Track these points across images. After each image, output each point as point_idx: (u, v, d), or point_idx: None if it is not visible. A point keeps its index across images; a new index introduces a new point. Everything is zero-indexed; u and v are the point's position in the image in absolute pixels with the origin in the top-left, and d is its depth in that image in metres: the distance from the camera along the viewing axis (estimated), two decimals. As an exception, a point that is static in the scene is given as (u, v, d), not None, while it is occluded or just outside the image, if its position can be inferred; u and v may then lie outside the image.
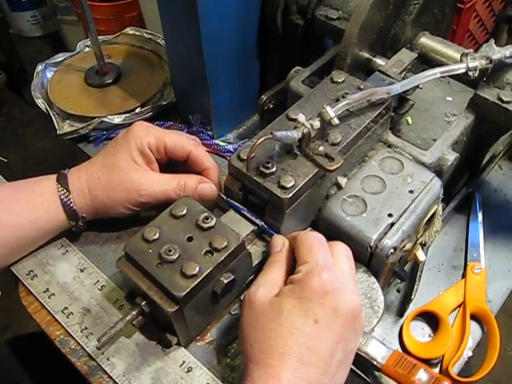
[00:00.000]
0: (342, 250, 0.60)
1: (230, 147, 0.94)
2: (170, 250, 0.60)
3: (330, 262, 0.57)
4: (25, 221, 0.72)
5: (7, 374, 0.93)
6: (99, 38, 1.06)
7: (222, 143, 0.95)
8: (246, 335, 0.56)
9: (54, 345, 0.69)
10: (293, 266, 0.60)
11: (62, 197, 0.71)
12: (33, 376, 0.92)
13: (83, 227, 0.76)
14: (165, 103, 1.01)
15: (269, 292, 0.57)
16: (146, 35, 1.14)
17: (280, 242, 0.63)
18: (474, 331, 0.72)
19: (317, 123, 0.63)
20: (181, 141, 0.74)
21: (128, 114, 0.98)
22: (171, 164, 0.76)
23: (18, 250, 0.75)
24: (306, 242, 0.59)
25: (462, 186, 0.86)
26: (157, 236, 0.62)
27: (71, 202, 0.72)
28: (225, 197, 0.69)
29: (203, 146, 0.77)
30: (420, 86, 0.87)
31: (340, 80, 0.72)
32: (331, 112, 0.63)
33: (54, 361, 0.70)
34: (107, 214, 0.74)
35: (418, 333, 0.72)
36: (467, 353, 0.70)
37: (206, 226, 0.62)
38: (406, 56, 0.79)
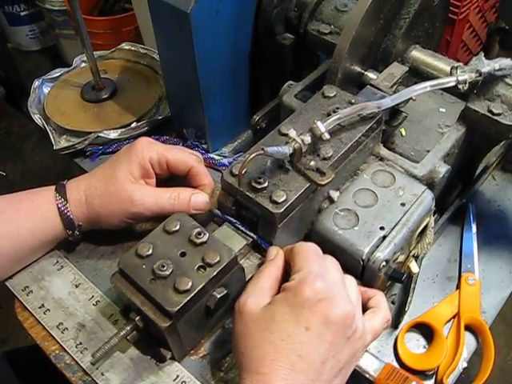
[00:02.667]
0: (333, 262, 0.61)
1: (225, 161, 0.95)
2: (163, 266, 0.60)
3: (323, 271, 0.58)
4: (23, 230, 0.72)
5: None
6: (96, 52, 1.07)
7: (217, 157, 0.96)
8: (237, 344, 0.57)
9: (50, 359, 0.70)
10: (286, 275, 0.61)
11: (59, 205, 0.72)
12: None
13: (79, 237, 0.76)
14: (160, 118, 1.02)
15: (258, 301, 0.57)
16: (141, 50, 1.15)
17: (274, 252, 0.64)
18: (469, 342, 0.72)
19: (308, 138, 0.63)
20: (183, 156, 0.75)
21: (124, 129, 0.99)
22: (169, 178, 0.77)
23: (16, 260, 0.75)
24: (302, 252, 0.60)
25: (456, 197, 0.86)
26: (150, 252, 0.62)
27: (68, 211, 0.72)
28: (219, 212, 0.70)
29: (203, 163, 0.78)
30: (413, 98, 0.88)
31: (331, 95, 0.73)
32: (322, 127, 0.63)
33: (52, 375, 0.70)
34: (102, 224, 0.75)
35: (413, 344, 0.72)
36: (462, 364, 0.70)
37: (198, 241, 0.63)
38: (397, 69, 0.80)
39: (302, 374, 0.53)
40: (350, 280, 0.61)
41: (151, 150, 0.74)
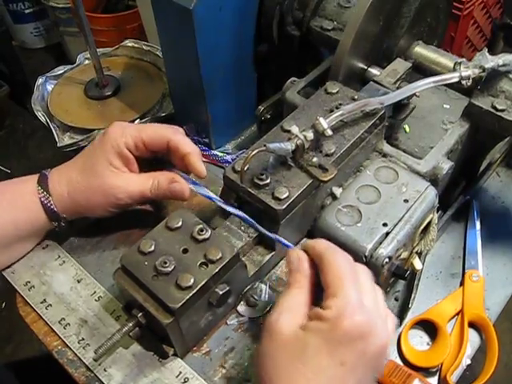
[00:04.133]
0: (365, 273, 0.56)
1: (229, 158, 0.95)
2: (166, 262, 0.60)
3: (361, 296, 0.53)
4: (5, 222, 0.72)
5: None
6: (99, 50, 1.08)
7: (220, 154, 0.96)
8: (265, 366, 0.53)
9: (56, 370, 0.69)
10: (315, 284, 0.57)
11: (42, 199, 0.72)
12: None
13: (65, 227, 0.76)
14: (164, 114, 1.02)
15: (292, 320, 0.53)
16: (144, 47, 1.15)
17: (295, 258, 0.58)
18: (473, 339, 0.72)
19: (310, 134, 0.63)
20: (158, 131, 0.73)
21: (127, 126, 0.99)
22: (153, 157, 0.76)
23: (2, 247, 0.74)
24: (334, 266, 0.55)
25: (460, 194, 0.86)
26: (152, 248, 0.62)
27: (51, 204, 0.72)
28: (224, 206, 0.69)
29: (183, 134, 0.75)
30: (417, 94, 0.87)
31: (334, 91, 0.73)
32: (324, 123, 0.63)
33: None
34: (87, 214, 0.75)
35: (417, 341, 0.72)
36: (465, 361, 0.70)
37: (200, 237, 0.62)
38: (400, 66, 0.79)
39: None
40: (379, 291, 0.57)
41: (125, 135, 0.72)
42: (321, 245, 0.57)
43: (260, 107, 0.88)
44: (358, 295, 0.53)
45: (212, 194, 0.70)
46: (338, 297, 0.52)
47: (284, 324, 0.53)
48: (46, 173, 0.74)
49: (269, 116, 0.89)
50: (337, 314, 0.51)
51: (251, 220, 0.66)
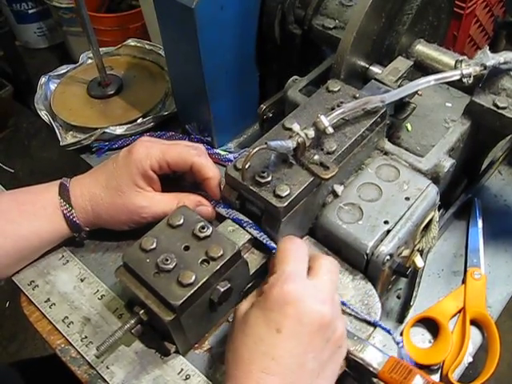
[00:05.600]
0: (325, 263, 0.59)
1: (231, 156, 0.95)
2: (167, 260, 0.60)
3: (299, 271, 0.57)
4: (28, 232, 0.73)
5: None
6: (102, 49, 1.08)
7: (222, 152, 0.96)
8: (226, 349, 0.58)
9: (60, 368, 0.70)
10: None
11: (64, 212, 0.73)
12: None
13: (86, 237, 0.77)
14: (166, 113, 1.02)
15: (246, 304, 0.58)
16: (147, 46, 1.15)
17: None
18: (474, 337, 0.72)
19: (311, 132, 0.63)
20: (182, 154, 0.74)
21: (130, 125, 0.99)
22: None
23: (20, 259, 0.76)
24: (282, 250, 0.59)
25: (462, 192, 0.86)
26: (154, 246, 0.62)
27: (74, 217, 0.73)
28: (224, 212, 0.70)
29: (206, 155, 0.77)
30: (419, 93, 0.87)
31: (335, 89, 0.73)
32: (325, 121, 0.63)
33: None
34: (108, 227, 0.76)
35: (418, 339, 0.72)
36: (467, 358, 0.70)
37: (202, 235, 0.63)
38: (401, 64, 0.79)
39: (278, 377, 0.52)
40: (332, 285, 0.59)
41: (150, 157, 0.72)
42: (283, 238, 0.61)
43: (262, 106, 0.88)
44: (296, 270, 0.57)
45: (241, 216, 0.69)
46: (276, 272, 0.57)
47: (242, 307, 0.58)
48: (66, 183, 0.75)
49: (271, 115, 0.89)
50: (270, 284, 0.55)
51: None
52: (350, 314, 0.64)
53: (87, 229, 0.75)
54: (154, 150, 0.73)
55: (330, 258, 0.61)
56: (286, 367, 0.52)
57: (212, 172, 0.74)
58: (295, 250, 0.59)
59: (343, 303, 0.64)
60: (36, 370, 1.03)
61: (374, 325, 0.64)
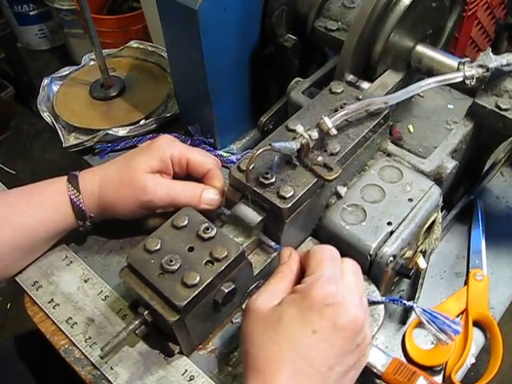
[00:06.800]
0: (350, 265, 0.60)
1: (234, 158, 0.95)
2: (172, 260, 0.61)
3: (337, 275, 0.57)
4: (35, 222, 0.73)
5: (10, 373, 0.93)
6: (104, 51, 1.08)
7: (225, 154, 0.96)
8: (244, 343, 0.56)
9: (62, 370, 0.70)
10: (300, 278, 0.60)
11: (71, 196, 0.73)
12: (37, 378, 0.92)
13: (89, 228, 0.77)
14: (169, 115, 1.02)
15: (268, 301, 0.57)
16: (149, 48, 1.16)
17: (287, 254, 0.62)
18: (477, 338, 0.72)
19: (315, 134, 0.63)
20: (203, 159, 0.76)
21: (132, 127, 0.99)
22: (185, 178, 0.77)
23: (29, 252, 0.76)
24: (317, 254, 0.59)
25: (464, 194, 0.86)
26: (158, 246, 0.63)
27: (80, 202, 0.73)
28: (227, 211, 0.70)
29: (220, 168, 0.79)
30: (421, 95, 0.88)
31: (339, 91, 0.73)
32: (329, 123, 0.64)
33: (60, 364, 0.71)
34: (113, 213, 0.75)
35: (421, 340, 0.72)
36: (470, 360, 0.70)
37: (206, 236, 0.63)
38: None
39: (307, 377, 0.52)
40: (361, 286, 0.60)
41: (173, 147, 0.74)
42: (314, 247, 0.61)
43: (262, 118, 0.88)
44: (335, 274, 0.57)
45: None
46: (314, 273, 0.57)
47: (261, 303, 0.56)
48: (76, 173, 0.76)
49: (271, 126, 0.89)
50: (309, 284, 0.55)
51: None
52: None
53: (92, 215, 0.75)
54: (178, 144, 0.76)
55: (351, 260, 0.61)
56: (315, 368, 0.52)
57: (220, 183, 0.76)
58: (330, 255, 0.59)
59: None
60: (34, 345, 1.03)
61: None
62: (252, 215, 0.66)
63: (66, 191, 0.73)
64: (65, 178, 0.75)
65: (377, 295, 0.65)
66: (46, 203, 0.74)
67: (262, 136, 0.92)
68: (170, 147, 0.74)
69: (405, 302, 0.65)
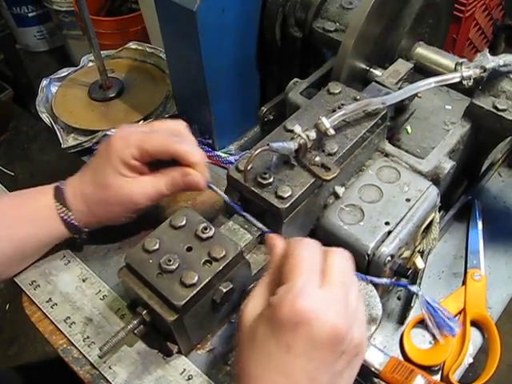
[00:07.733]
0: (337, 263, 0.54)
1: (232, 158, 0.95)
2: (170, 260, 0.61)
3: (311, 282, 0.51)
4: (26, 235, 0.73)
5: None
6: (103, 52, 1.08)
7: (223, 154, 0.96)
8: (235, 358, 0.57)
9: (61, 371, 0.70)
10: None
11: (62, 215, 0.72)
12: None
13: (86, 237, 0.77)
14: (167, 116, 1.02)
15: (254, 307, 0.54)
16: (148, 49, 1.16)
17: (270, 243, 0.59)
18: (475, 338, 0.73)
19: (313, 134, 0.64)
20: (162, 143, 0.71)
21: (131, 127, 0.99)
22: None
23: (20, 261, 0.76)
24: (292, 256, 0.53)
25: (462, 194, 0.86)
26: (157, 246, 0.63)
27: (72, 219, 0.73)
28: (226, 197, 0.69)
29: (190, 140, 0.74)
30: (419, 95, 0.88)
31: (336, 91, 0.73)
32: (327, 123, 0.64)
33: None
34: (108, 224, 0.76)
35: (419, 340, 0.72)
36: (468, 359, 0.70)
37: (204, 236, 0.63)
38: (402, 66, 0.80)
39: None
40: (353, 287, 0.54)
41: (129, 147, 0.70)
42: (294, 241, 0.55)
43: (263, 108, 0.89)
44: (309, 281, 0.51)
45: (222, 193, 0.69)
46: (286, 283, 0.51)
47: (248, 311, 0.53)
48: (61, 186, 0.74)
49: (271, 117, 0.90)
50: (279, 299, 0.50)
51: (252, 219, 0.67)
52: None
53: (86, 230, 0.75)
54: (132, 140, 0.71)
55: (341, 250, 0.55)
56: (297, 381, 0.50)
57: (196, 157, 0.71)
58: (307, 257, 0.53)
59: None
60: (35, 371, 1.03)
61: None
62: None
63: (54, 208, 0.72)
64: (50, 189, 0.74)
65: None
66: (35, 217, 0.73)
67: (261, 127, 0.92)
68: (125, 148, 0.70)
69: (410, 287, 0.64)
